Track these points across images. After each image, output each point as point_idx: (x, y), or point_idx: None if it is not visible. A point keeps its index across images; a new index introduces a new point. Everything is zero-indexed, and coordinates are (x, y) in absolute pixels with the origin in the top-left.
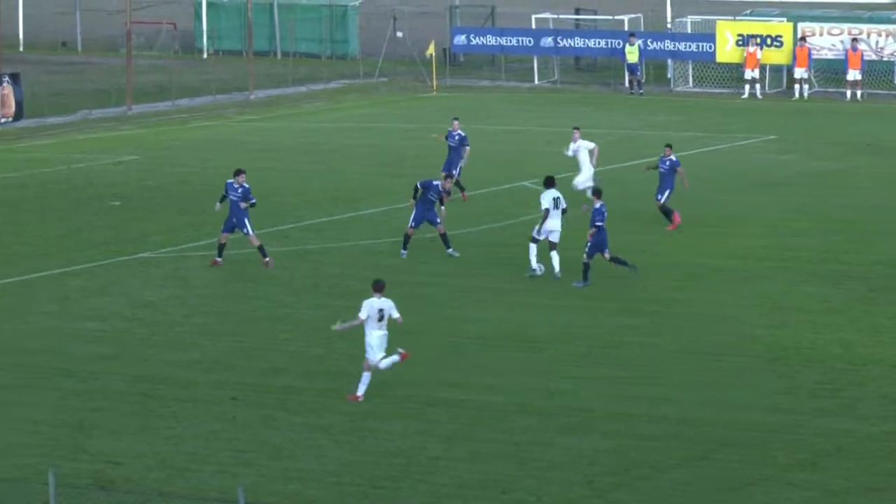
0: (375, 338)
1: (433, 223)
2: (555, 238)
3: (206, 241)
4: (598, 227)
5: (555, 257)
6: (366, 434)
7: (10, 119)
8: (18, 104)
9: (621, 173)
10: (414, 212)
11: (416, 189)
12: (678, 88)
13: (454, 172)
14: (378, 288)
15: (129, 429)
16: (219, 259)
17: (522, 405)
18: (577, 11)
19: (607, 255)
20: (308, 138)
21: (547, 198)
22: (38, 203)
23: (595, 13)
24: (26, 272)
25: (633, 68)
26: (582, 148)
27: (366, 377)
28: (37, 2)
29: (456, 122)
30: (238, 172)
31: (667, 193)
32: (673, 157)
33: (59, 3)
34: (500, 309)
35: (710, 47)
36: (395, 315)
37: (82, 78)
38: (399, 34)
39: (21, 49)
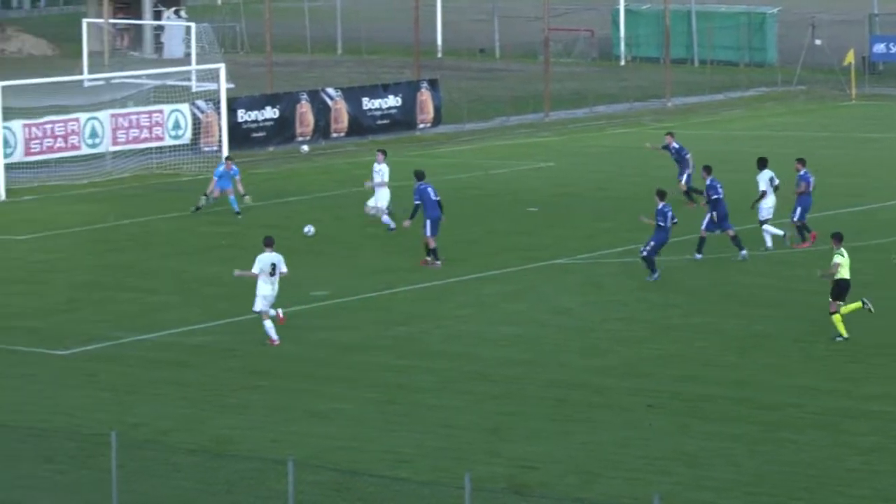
0: (267, 290)
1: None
2: (770, 214)
3: (622, 248)
4: (661, 226)
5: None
6: (780, 444)
7: (429, 124)
8: (437, 110)
9: None
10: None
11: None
12: None
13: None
14: (268, 243)
15: (544, 433)
16: (428, 259)
17: None
18: None
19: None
20: (724, 146)
21: (763, 178)
22: (456, 208)
23: None
24: (443, 276)
25: None
26: (385, 172)
27: (267, 324)
28: (456, 8)
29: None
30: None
31: (799, 211)
32: (802, 171)
33: (477, 10)
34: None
35: None
36: (284, 269)
37: (500, 84)
38: (818, 42)
39: (439, 55)
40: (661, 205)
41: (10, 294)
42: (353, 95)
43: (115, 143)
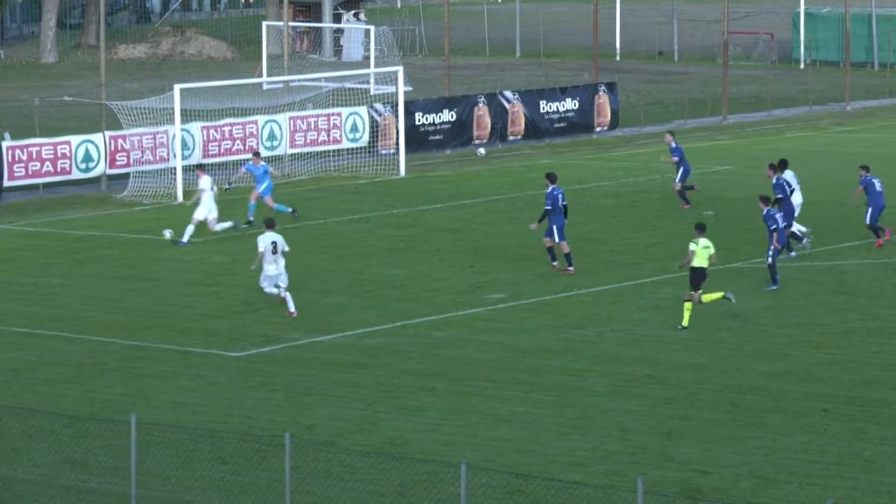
0: (271, 269)
1: None
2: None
3: (799, 253)
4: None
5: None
6: None
7: (606, 127)
8: (614, 113)
9: None
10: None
11: None
12: None
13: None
14: (270, 225)
15: (718, 438)
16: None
17: None
18: None
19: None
20: None
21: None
22: (632, 212)
23: None
24: (619, 280)
25: None
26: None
27: (279, 292)
28: (635, 11)
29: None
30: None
31: (869, 213)
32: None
33: (656, 13)
34: None
35: None
36: (286, 248)
37: (678, 87)
38: None
39: (618, 58)
40: (765, 210)
41: (187, 296)
42: (530, 98)
43: (293, 145)
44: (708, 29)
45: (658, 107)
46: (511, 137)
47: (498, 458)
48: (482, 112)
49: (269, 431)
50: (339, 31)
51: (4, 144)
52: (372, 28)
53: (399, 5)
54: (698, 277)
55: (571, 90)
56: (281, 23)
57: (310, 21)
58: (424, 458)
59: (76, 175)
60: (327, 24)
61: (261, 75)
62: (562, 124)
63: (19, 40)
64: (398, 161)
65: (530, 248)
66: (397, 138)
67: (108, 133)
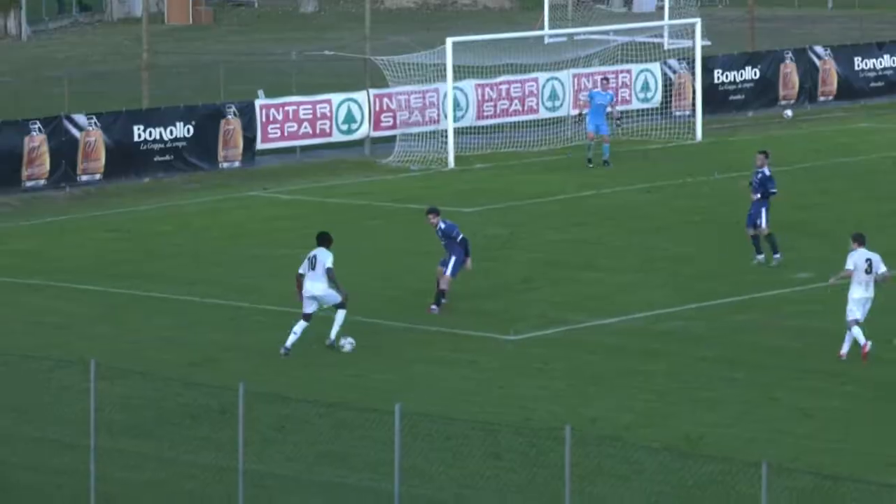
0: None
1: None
2: None
3: None
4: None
5: None
6: None
7: (831, 97)
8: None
9: None
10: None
11: None
12: None
13: None
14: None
15: None
16: None
17: None
18: None
19: None
20: None
21: None
22: None
23: None
24: None
25: None
26: None
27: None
28: None
29: None
30: None
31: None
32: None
33: None
34: None
35: None
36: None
37: None
38: None
39: None
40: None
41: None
42: (843, 54)
43: (576, 106)
44: None
45: None
46: (822, 98)
47: (804, 457)
48: (789, 69)
49: (548, 424)
50: None
51: (258, 103)
52: None
53: None
54: None
55: (890, 45)
56: None
57: None
58: (721, 457)
59: (337, 137)
60: None
61: (542, 28)
62: (879, 83)
63: None
64: (694, 124)
65: (843, 224)
66: (693, 98)
67: (372, 91)
